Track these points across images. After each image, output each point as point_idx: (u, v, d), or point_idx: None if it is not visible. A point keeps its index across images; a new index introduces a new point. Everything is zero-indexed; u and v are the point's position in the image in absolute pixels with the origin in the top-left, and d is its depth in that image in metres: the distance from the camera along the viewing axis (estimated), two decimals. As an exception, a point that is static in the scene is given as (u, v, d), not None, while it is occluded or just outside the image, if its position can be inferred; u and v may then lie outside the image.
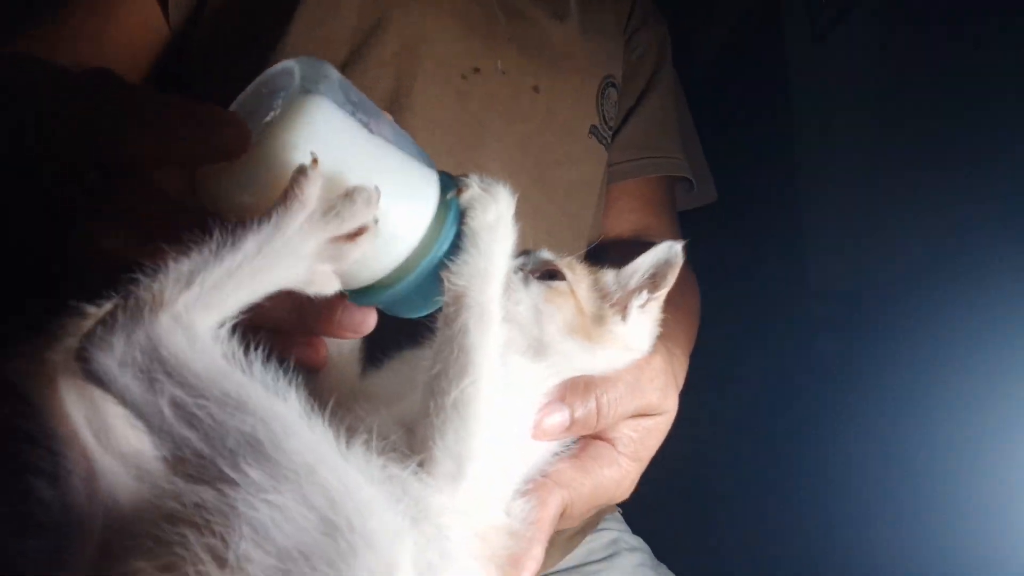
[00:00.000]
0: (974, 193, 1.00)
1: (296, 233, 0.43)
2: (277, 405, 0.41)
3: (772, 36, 1.48)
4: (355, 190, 0.44)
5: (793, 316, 1.38)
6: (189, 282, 0.41)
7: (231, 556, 0.37)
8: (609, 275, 0.66)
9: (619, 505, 0.93)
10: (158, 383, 0.39)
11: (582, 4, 0.90)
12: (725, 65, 1.59)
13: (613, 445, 0.62)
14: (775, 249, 1.41)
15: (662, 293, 0.64)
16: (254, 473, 0.38)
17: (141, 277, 0.41)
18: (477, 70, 0.79)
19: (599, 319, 0.63)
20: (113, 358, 0.39)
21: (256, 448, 0.39)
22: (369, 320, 0.51)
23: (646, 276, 0.64)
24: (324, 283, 0.46)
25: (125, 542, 0.40)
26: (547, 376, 0.59)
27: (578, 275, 0.64)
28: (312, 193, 0.43)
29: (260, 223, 0.42)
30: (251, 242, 0.42)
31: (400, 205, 0.50)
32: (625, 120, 0.94)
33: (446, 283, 0.51)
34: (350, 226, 0.44)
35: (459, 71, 0.78)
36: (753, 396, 1.42)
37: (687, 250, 0.63)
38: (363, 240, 0.45)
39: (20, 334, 0.43)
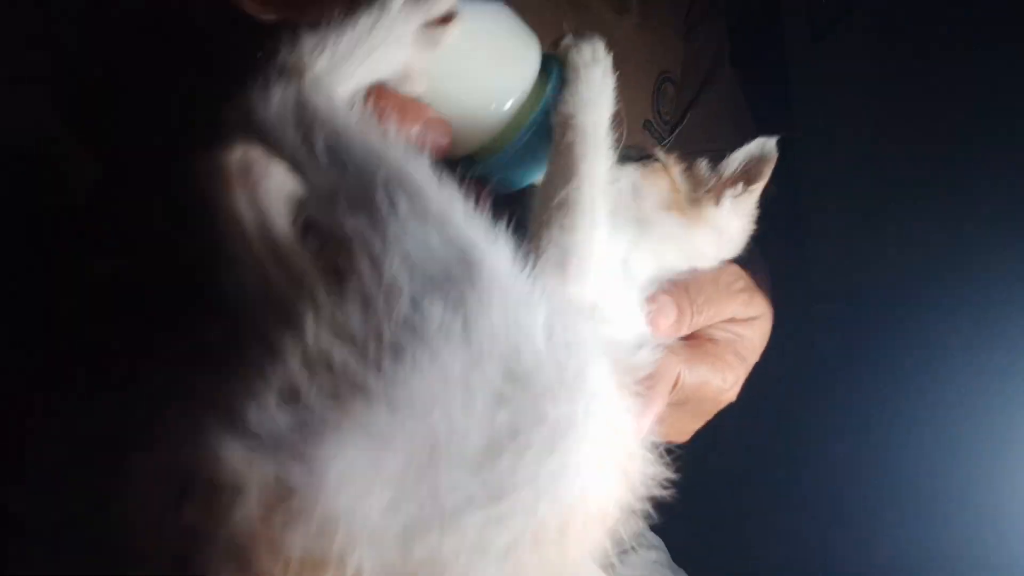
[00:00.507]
0: (974, 193, 1.00)
1: (398, 14, 0.48)
2: (413, 163, 0.45)
3: (772, 36, 1.48)
4: None
5: (793, 316, 1.38)
6: (322, 50, 0.46)
7: (385, 272, 0.40)
8: (703, 164, 0.67)
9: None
10: (312, 131, 0.44)
11: None
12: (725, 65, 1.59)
13: (715, 343, 0.64)
14: (775, 249, 1.41)
15: (757, 187, 0.65)
16: (403, 206, 0.42)
17: (280, 46, 0.46)
18: None
19: (694, 201, 0.64)
20: (271, 111, 0.44)
21: (403, 186, 0.43)
22: (443, 141, 0.52)
23: (739, 169, 0.65)
24: (416, 80, 0.50)
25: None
26: (650, 255, 0.61)
27: (672, 159, 0.66)
28: None
29: (369, 6, 0.48)
30: (364, 21, 0.47)
31: (507, 59, 0.54)
32: (684, 115, 0.95)
33: (554, 115, 0.54)
34: (439, 9, 0.49)
35: None
36: (753, 396, 1.42)
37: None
38: (454, 25, 0.50)
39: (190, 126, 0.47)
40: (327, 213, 0.43)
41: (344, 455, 0.37)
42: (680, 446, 0.67)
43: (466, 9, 0.51)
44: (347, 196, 0.43)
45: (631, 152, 0.65)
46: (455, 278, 0.42)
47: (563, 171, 0.54)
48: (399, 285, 0.40)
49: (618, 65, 0.90)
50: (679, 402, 0.60)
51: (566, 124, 0.54)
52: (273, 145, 0.44)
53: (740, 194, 0.64)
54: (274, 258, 0.42)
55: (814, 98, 1.38)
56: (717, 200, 0.64)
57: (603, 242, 0.54)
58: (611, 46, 0.91)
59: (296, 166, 0.44)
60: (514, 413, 0.41)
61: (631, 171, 0.63)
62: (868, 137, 1.23)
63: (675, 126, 0.93)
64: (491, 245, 0.45)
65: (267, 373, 0.38)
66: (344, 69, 0.47)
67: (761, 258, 0.69)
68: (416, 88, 0.51)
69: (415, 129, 0.50)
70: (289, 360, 0.38)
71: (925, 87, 1.09)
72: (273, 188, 0.43)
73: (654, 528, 0.95)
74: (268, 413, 0.37)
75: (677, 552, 0.98)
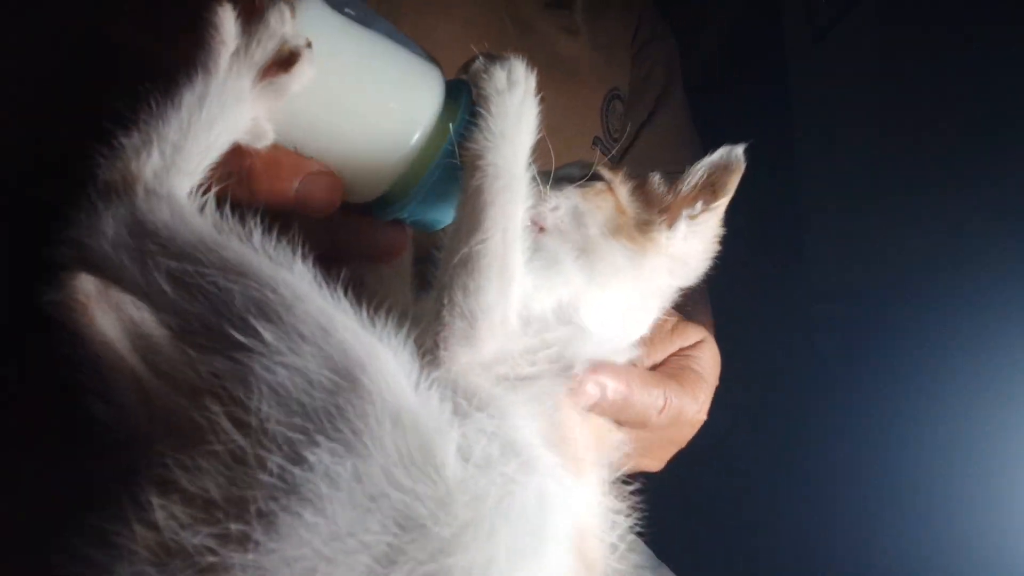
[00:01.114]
0: (974, 193, 1.00)
1: (228, 74, 0.42)
2: (282, 273, 0.39)
3: (772, 36, 1.48)
4: (266, 10, 0.42)
5: (793, 316, 1.38)
6: (148, 151, 0.40)
7: (253, 420, 0.35)
8: (656, 179, 0.60)
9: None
10: (152, 258, 0.38)
11: (590, 17, 0.90)
12: (725, 65, 1.59)
13: (679, 369, 0.61)
14: (775, 249, 1.41)
15: (720, 204, 0.57)
16: (268, 335, 0.36)
17: (100, 160, 0.40)
18: None
19: (643, 224, 0.57)
20: (106, 241, 0.38)
21: (265, 311, 0.37)
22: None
23: (700, 181, 0.58)
24: (260, 133, 0.43)
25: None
26: (598, 291, 0.55)
27: (619, 178, 0.59)
28: (228, 29, 0.41)
29: (190, 76, 0.41)
30: (189, 96, 0.41)
31: (401, 91, 0.47)
32: (636, 135, 0.94)
33: (460, 152, 0.47)
34: (270, 45, 0.42)
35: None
36: (752, 396, 1.42)
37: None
38: (300, 68, 0.42)
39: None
40: (178, 355, 0.37)
41: None
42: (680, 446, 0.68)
43: (339, 40, 0.45)
44: (199, 332, 0.37)
45: (573, 170, 0.59)
46: (341, 410, 0.36)
47: (468, 221, 0.47)
48: (270, 433, 0.35)
49: (565, 82, 0.86)
50: (661, 428, 0.58)
51: (473, 165, 0.47)
52: (114, 279, 0.38)
53: (699, 213, 0.57)
54: (121, 414, 0.37)
55: (814, 98, 1.38)
56: (670, 223, 0.57)
57: (519, 298, 0.47)
58: (558, 63, 0.87)
59: (143, 299, 0.38)
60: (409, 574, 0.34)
61: (571, 194, 0.57)
62: (868, 137, 1.23)
63: (624, 145, 0.92)
64: (384, 358, 0.38)
65: (113, 568, 0.33)
66: (182, 160, 0.41)
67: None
68: (262, 141, 0.44)
69: (293, 186, 0.45)
70: (137, 550, 0.33)
71: (925, 87, 1.09)
72: (110, 326, 0.38)
73: (655, 527, 0.95)
74: None
75: (676, 552, 0.97)
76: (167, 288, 0.38)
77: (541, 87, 0.53)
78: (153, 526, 0.34)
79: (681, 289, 0.61)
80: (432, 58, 0.50)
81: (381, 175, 0.48)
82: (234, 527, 0.33)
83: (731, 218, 0.60)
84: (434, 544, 0.35)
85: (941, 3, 1.06)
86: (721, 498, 1.43)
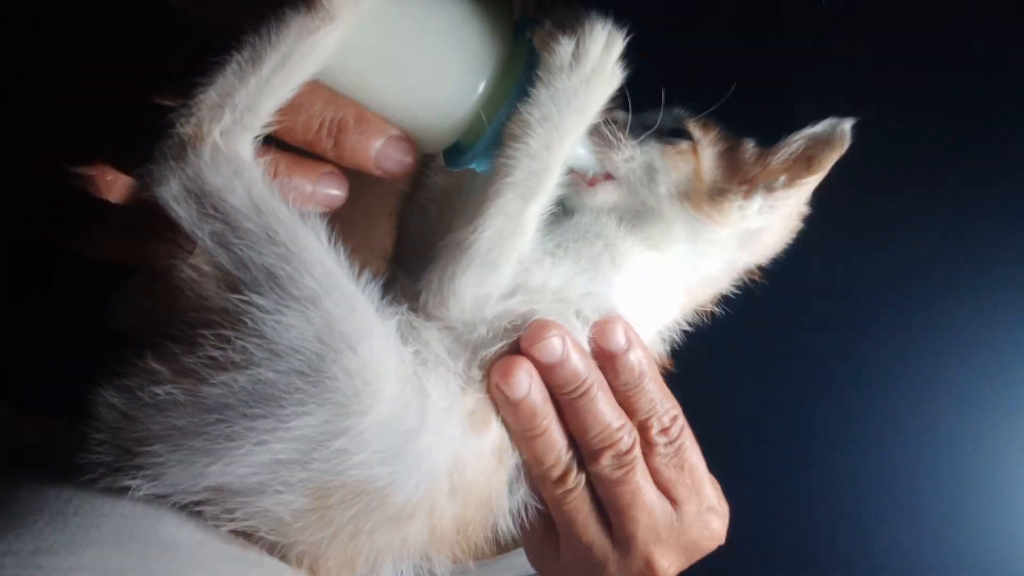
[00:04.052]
0: (974, 193, 0.99)
1: (308, 28, 0.43)
2: (306, 235, 0.45)
3: (772, 36, 1.47)
4: None
5: (793, 316, 1.38)
6: (221, 108, 0.44)
7: (235, 355, 0.43)
8: (749, 145, 0.56)
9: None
10: (203, 217, 0.45)
11: None
12: (725, 65, 1.59)
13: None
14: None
15: (808, 181, 0.53)
16: (266, 301, 0.44)
17: (177, 114, 0.44)
18: None
19: (718, 192, 0.53)
20: (169, 193, 0.44)
21: (273, 280, 0.44)
22: (407, 159, 0.49)
23: (796, 153, 0.54)
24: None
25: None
26: (641, 252, 0.51)
27: (710, 139, 0.55)
28: None
29: (271, 30, 0.43)
30: (273, 53, 0.43)
31: (465, 36, 0.45)
32: None
33: (513, 115, 0.45)
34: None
35: None
36: (752, 395, 1.42)
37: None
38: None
39: None
40: (211, 273, 0.47)
41: None
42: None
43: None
44: (224, 276, 0.45)
45: (665, 119, 0.55)
46: (310, 364, 0.44)
47: (476, 202, 0.47)
48: (250, 369, 0.43)
49: None
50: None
51: (509, 138, 0.45)
52: (174, 221, 0.45)
53: (781, 187, 0.53)
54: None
55: (814, 98, 1.38)
56: (748, 194, 0.53)
57: (502, 283, 0.48)
58: None
59: (195, 239, 0.46)
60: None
61: (651, 148, 0.53)
62: (868, 137, 1.23)
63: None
64: (362, 319, 0.45)
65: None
66: (252, 118, 0.44)
67: None
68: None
69: (376, 145, 0.47)
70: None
71: (925, 87, 1.09)
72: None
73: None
74: None
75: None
76: (208, 243, 0.45)
77: None
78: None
79: (754, 270, 0.57)
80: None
81: (447, 124, 0.47)
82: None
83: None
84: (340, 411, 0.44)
85: (941, 3, 1.06)
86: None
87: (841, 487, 1.16)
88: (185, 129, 0.44)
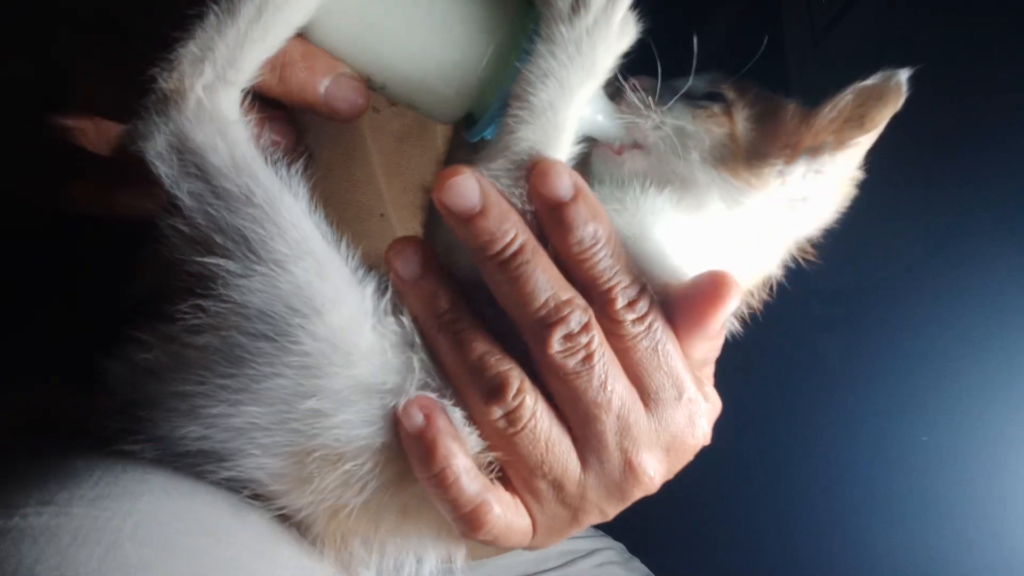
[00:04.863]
0: (974, 193, 0.99)
1: None
2: (285, 199, 0.44)
3: (772, 36, 1.47)
4: None
5: (793, 316, 1.38)
6: (202, 63, 0.43)
7: (208, 319, 0.44)
8: (792, 107, 0.51)
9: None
10: (184, 175, 0.44)
11: None
12: (725, 65, 1.59)
13: None
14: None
15: (862, 140, 0.48)
16: (235, 264, 0.44)
17: (159, 70, 0.43)
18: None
19: (757, 157, 0.48)
20: (154, 149, 0.44)
21: (245, 243, 0.44)
22: (359, 100, 0.46)
23: (844, 112, 0.48)
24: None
25: None
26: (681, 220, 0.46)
27: (747, 100, 0.51)
28: None
29: None
30: (248, 3, 0.42)
31: (464, 10, 0.43)
32: None
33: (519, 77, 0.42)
34: None
35: None
36: (752, 395, 1.42)
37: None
38: None
39: None
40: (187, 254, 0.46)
41: None
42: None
43: None
44: (199, 237, 0.45)
45: (698, 83, 0.51)
46: (275, 325, 0.44)
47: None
48: (223, 332, 0.44)
49: None
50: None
51: (515, 98, 0.42)
52: (157, 178, 0.45)
53: (829, 150, 0.48)
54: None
55: (814, 98, 1.38)
56: (790, 158, 0.48)
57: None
58: None
59: (174, 198, 0.45)
60: None
61: (682, 112, 0.49)
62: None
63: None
64: (334, 285, 0.45)
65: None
66: (234, 69, 0.43)
67: None
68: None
69: (324, 83, 0.44)
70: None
71: (925, 87, 1.09)
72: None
73: (655, 527, 0.95)
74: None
75: (674, 553, 0.97)
76: (187, 202, 0.44)
77: None
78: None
79: (806, 246, 0.50)
80: None
81: (453, 92, 0.45)
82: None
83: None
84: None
85: (941, 3, 1.06)
86: (720, 498, 1.42)
87: (841, 487, 1.16)
88: (167, 84, 0.43)
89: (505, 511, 0.44)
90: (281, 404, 0.44)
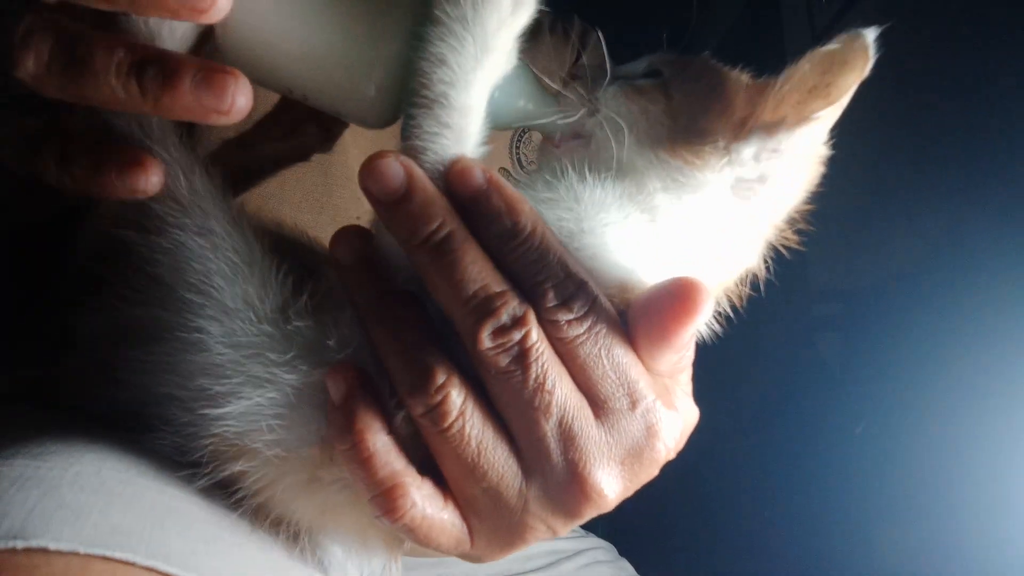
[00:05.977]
0: (974, 193, 0.99)
1: None
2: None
3: (772, 36, 1.48)
4: None
5: (793, 316, 1.38)
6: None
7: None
8: (737, 75, 0.46)
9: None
10: None
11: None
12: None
13: None
14: (775, 249, 1.41)
15: (824, 113, 0.42)
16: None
17: None
18: None
19: (697, 132, 0.43)
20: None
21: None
22: (240, 100, 0.39)
23: (801, 82, 0.41)
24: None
25: None
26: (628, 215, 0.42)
27: (688, 73, 0.46)
28: None
29: None
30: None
31: (358, 10, 0.40)
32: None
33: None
34: None
35: None
36: (752, 395, 1.42)
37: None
38: None
39: None
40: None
41: None
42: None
43: None
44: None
45: (638, 65, 0.48)
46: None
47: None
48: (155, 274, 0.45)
49: None
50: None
51: (412, 98, 0.39)
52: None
53: (787, 126, 0.42)
54: None
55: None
56: (738, 135, 0.43)
57: None
58: None
59: None
60: None
61: (615, 95, 0.46)
62: (868, 137, 1.23)
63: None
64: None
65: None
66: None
67: None
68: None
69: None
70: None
71: (925, 87, 1.09)
72: None
73: (654, 527, 0.95)
74: None
75: (672, 554, 0.97)
76: None
77: None
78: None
79: (785, 227, 0.46)
80: None
81: (375, 91, 0.41)
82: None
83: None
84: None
85: (941, 3, 1.06)
86: (720, 499, 1.43)
87: (839, 487, 1.16)
88: None
89: (425, 503, 0.40)
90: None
